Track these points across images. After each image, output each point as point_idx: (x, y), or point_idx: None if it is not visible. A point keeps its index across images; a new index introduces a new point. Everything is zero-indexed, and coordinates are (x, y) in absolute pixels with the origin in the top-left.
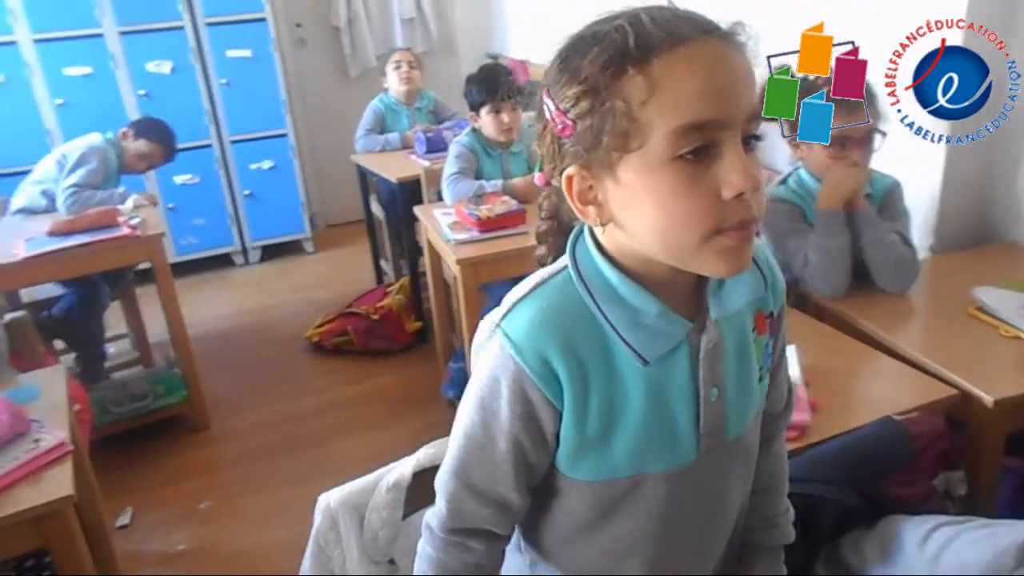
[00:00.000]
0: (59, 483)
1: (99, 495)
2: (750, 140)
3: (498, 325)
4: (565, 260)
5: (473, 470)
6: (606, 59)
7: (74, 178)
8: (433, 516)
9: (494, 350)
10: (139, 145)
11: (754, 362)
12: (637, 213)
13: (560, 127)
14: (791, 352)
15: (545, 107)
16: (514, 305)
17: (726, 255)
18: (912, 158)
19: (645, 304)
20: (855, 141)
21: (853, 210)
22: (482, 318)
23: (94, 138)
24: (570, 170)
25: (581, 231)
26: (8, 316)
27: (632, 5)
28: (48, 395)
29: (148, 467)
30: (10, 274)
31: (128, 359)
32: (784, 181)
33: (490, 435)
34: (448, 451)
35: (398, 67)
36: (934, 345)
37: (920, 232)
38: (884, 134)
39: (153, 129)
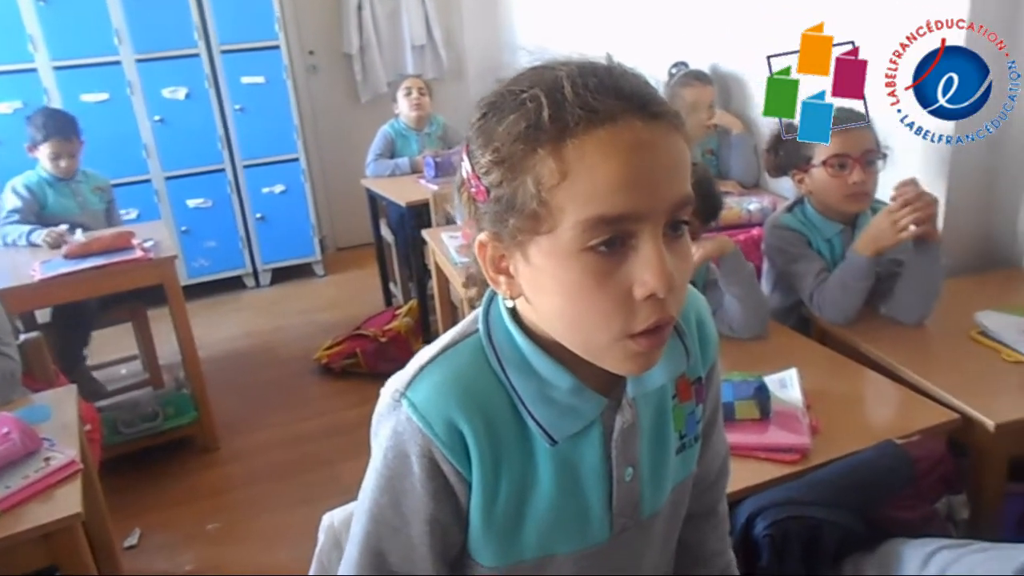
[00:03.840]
0: (68, 501)
1: (107, 515)
2: (679, 225)
3: (403, 394)
4: (477, 321)
5: (389, 555)
6: (518, 132)
7: None
8: None
9: (399, 421)
10: (41, 150)
11: (672, 434)
12: (546, 298)
13: (474, 189)
14: (792, 375)
15: (463, 163)
16: (420, 370)
17: (634, 359)
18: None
19: (558, 378)
20: (854, 160)
21: (926, 242)
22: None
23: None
24: (483, 236)
25: (496, 292)
26: (23, 337)
27: (567, 57)
28: (59, 415)
29: (157, 488)
30: (26, 295)
31: (138, 380)
32: (791, 209)
33: (403, 517)
34: (352, 538)
35: (409, 93)
36: (936, 369)
37: None
38: (885, 156)
39: (30, 125)
